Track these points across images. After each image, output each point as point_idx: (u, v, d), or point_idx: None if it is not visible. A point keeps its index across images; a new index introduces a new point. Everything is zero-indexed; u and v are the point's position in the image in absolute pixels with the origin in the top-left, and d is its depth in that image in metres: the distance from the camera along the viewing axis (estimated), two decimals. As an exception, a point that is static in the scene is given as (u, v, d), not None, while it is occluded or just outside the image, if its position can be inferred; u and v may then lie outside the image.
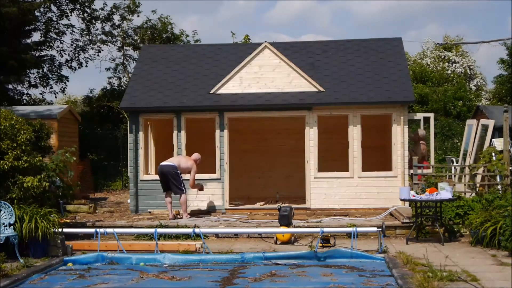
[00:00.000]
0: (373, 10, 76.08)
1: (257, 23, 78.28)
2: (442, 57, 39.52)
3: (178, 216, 15.14)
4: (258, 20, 79.59)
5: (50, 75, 29.52)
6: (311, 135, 15.87)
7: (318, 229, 11.77)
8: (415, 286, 8.35)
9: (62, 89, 30.05)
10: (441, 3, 69.28)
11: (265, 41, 16.94)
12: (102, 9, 30.62)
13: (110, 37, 31.17)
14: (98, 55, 31.28)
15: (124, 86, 30.35)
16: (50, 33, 29.42)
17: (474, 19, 71.95)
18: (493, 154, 15.03)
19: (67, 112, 20.33)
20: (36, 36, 29.04)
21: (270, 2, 77.48)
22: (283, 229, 12.37)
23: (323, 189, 15.79)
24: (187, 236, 12.65)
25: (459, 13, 72.15)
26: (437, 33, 71.42)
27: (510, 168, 14.20)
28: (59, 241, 11.31)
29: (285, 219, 12.54)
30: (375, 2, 71.93)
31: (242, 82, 16.33)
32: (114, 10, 30.84)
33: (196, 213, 15.56)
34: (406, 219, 13.08)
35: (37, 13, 27.60)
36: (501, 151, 15.06)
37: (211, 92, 16.38)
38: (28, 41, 27.87)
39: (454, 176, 17.28)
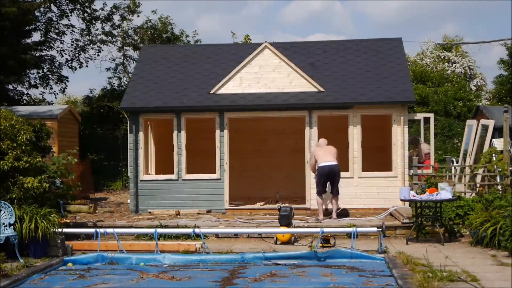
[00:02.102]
0: (389, 11, 75.83)
1: (276, 24, 78.37)
2: (442, 57, 39.51)
3: (178, 216, 15.18)
4: (277, 20, 79.67)
5: (50, 76, 29.53)
6: (311, 135, 15.88)
7: (318, 229, 11.77)
8: (415, 286, 8.35)
9: (62, 89, 30.10)
10: (458, 3, 68.96)
11: (265, 41, 16.94)
12: (102, 9, 30.64)
13: (110, 37, 31.18)
14: (98, 55, 31.33)
15: (124, 86, 30.36)
16: (50, 33, 29.44)
17: (493, 19, 71.46)
18: (494, 154, 15.03)
19: (67, 112, 20.33)
20: (36, 36, 29.11)
21: (286, 2, 77.63)
22: (283, 229, 12.36)
23: (323, 189, 15.77)
24: (187, 236, 12.65)
25: (479, 14, 71.72)
26: (456, 34, 71.00)
27: (510, 168, 14.20)
28: (59, 241, 11.31)
29: (285, 219, 12.53)
30: (390, 2, 71.71)
31: (242, 82, 16.33)
32: (114, 10, 30.85)
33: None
34: (406, 219, 13.08)
35: (37, 13, 27.62)
36: (501, 151, 15.06)
37: (211, 92, 16.38)
38: (28, 41, 27.89)
39: (454, 176, 17.28)
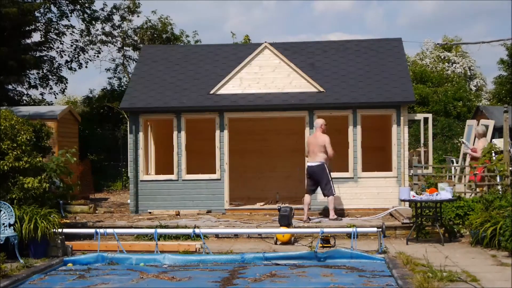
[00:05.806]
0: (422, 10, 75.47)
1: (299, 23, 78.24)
2: (442, 57, 39.55)
3: (178, 216, 15.19)
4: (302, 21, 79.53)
5: (50, 76, 29.54)
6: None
7: (318, 230, 11.77)
8: (415, 286, 8.35)
9: (62, 90, 30.10)
10: (489, 2, 68.37)
11: (265, 42, 16.95)
12: (102, 9, 30.67)
13: (110, 38, 31.20)
14: (98, 56, 31.34)
15: (124, 87, 30.37)
16: (50, 33, 29.45)
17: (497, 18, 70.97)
18: (493, 152, 15.02)
19: (67, 112, 20.34)
20: (36, 37, 29.11)
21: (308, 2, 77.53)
22: (283, 229, 12.36)
23: (323, 190, 15.77)
24: (187, 237, 12.64)
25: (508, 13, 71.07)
26: (485, 34, 70.51)
27: (510, 168, 14.19)
28: (59, 241, 11.30)
29: (285, 220, 12.54)
30: (417, 2, 71.32)
31: (242, 83, 16.33)
32: (114, 10, 30.88)
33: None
34: (406, 220, 13.08)
35: (37, 14, 27.63)
36: (501, 151, 15.06)
37: (211, 92, 16.38)
38: (28, 41, 27.89)
39: (454, 176, 17.27)
